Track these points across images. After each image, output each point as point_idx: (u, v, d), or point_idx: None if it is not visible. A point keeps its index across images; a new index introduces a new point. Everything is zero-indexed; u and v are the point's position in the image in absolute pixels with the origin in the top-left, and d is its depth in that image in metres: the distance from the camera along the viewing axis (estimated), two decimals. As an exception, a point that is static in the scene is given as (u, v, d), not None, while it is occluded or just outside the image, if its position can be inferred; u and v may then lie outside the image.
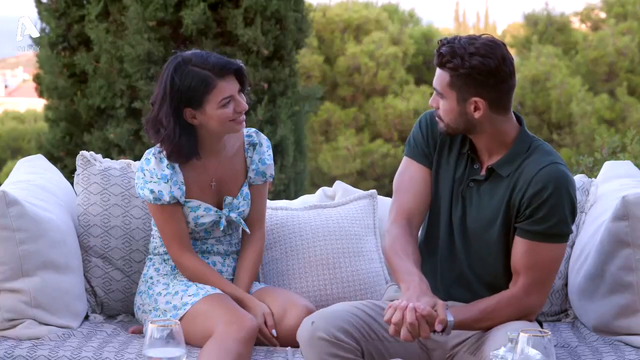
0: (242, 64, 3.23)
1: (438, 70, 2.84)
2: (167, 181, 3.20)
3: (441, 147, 2.98)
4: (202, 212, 3.26)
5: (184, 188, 3.23)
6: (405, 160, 3.03)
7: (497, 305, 2.83)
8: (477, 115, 2.83)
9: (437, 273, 2.96)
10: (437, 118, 2.91)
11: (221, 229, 3.29)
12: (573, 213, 2.84)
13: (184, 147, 3.19)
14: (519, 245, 2.85)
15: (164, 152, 3.20)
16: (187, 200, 3.25)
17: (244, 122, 3.24)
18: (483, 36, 2.83)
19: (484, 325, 2.83)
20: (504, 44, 2.82)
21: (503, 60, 2.79)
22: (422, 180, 2.98)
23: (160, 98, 3.18)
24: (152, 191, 3.20)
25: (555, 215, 2.80)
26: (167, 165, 3.21)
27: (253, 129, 3.40)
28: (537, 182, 2.80)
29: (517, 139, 2.88)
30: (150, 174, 3.21)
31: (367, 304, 2.93)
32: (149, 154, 3.25)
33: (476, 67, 2.77)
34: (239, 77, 3.21)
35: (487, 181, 2.89)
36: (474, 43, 2.79)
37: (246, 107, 3.21)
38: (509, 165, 2.86)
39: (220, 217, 3.28)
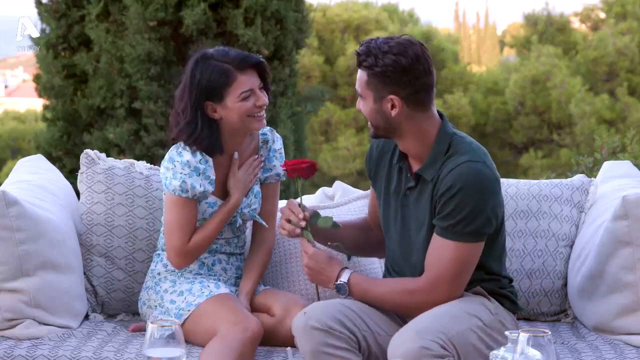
0: (263, 59, 3.25)
1: (358, 72, 2.95)
2: (200, 174, 3.19)
3: (377, 166, 3.13)
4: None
5: (213, 185, 3.22)
6: None
7: (397, 295, 2.93)
8: (394, 113, 2.90)
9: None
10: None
11: (237, 226, 3.30)
12: (482, 213, 2.85)
13: (205, 140, 3.19)
14: (431, 241, 2.92)
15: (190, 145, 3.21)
16: (207, 196, 3.25)
17: (264, 121, 3.25)
18: (402, 37, 2.92)
19: (377, 303, 2.95)
20: (421, 44, 2.91)
21: (416, 59, 2.87)
22: (373, 204, 3.23)
23: (181, 92, 3.20)
24: (184, 182, 3.16)
25: (459, 214, 2.84)
26: (201, 160, 3.20)
27: (269, 127, 3.40)
28: (448, 180, 2.86)
29: (437, 138, 2.94)
30: (182, 165, 3.18)
31: (354, 301, 2.99)
32: (179, 148, 3.22)
33: (389, 65, 2.85)
34: (260, 72, 3.24)
35: (417, 187, 2.97)
36: (389, 42, 2.88)
37: (266, 101, 3.23)
38: (431, 168, 2.93)
39: (235, 215, 3.29)
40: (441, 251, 2.88)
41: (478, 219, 2.85)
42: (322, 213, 3.61)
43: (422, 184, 2.95)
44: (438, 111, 2.98)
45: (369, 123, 3.00)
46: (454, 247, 2.86)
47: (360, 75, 2.93)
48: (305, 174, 3.07)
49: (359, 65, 2.92)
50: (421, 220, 2.95)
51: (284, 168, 3.08)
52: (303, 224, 3.01)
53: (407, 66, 2.85)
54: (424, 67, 2.88)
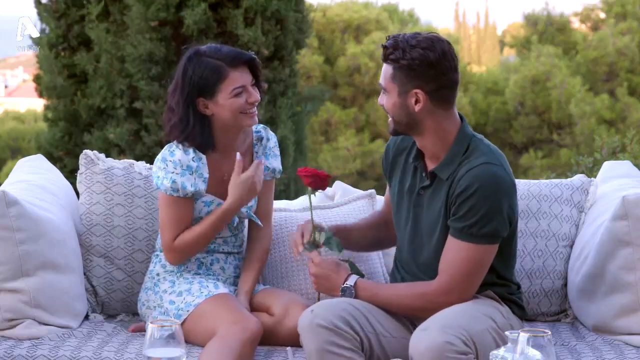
0: (255, 56, 3.25)
1: (384, 66, 2.96)
2: (192, 173, 3.20)
3: (392, 165, 3.13)
4: (215, 208, 3.26)
5: (207, 183, 3.22)
6: None
7: (406, 298, 2.95)
8: (417, 108, 2.91)
9: (398, 280, 3.08)
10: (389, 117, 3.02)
11: (234, 225, 3.29)
12: (498, 215, 2.86)
13: (197, 136, 3.19)
14: (446, 243, 2.92)
15: (183, 142, 3.20)
16: (202, 195, 3.25)
17: (256, 117, 3.25)
18: (429, 33, 2.94)
19: (386, 307, 2.97)
20: (448, 42, 2.92)
21: (443, 54, 2.88)
22: (388, 198, 3.24)
23: (173, 89, 3.21)
24: (174, 181, 3.17)
25: (474, 215, 2.85)
26: (193, 158, 3.21)
27: (262, 125, 3.40)
28: (464, 181, 2.87)
29: (456, 138, 2.95)
30: (174, 164, 3.19)
31: (361, 302, 2.99)
32: (172, 147, 3.23)
33: (416, 58, 2.86)
34: (252, 69, 3.23)
35: (431, 186, 2.98)
36: (417, 37, 2.90)
37: (258, 98, 3.23)
38: (448, 168, 2.93)
39: None
40: (455, 252, 2.88)
41: (493, 221, 2.85)
42: (322, 213, 3.62)
43: (437, 183, 2.96)
44: (459, 113, 2.99)
45: (389, 119, 3.00)
46: (467, 249, 2.87)
47: (386, 68, 2.94)
48: (312, 184, 3.08)
49: (385, 58, 2.93)
50: (434, 220, 2.95)
51: (300, 175, 3.10)
52: (306, 239, 3.09)
53: (434, 61, 2.86)
54: (450, 64, 2.90)
